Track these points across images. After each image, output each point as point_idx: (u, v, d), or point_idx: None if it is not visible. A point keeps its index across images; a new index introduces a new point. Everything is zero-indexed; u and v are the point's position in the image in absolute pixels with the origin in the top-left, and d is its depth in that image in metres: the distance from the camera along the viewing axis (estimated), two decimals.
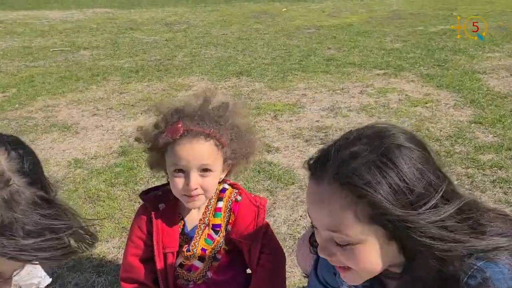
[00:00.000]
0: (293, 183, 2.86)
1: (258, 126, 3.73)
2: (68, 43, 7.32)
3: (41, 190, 0.94)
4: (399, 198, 0.91)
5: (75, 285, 2.06)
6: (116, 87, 4.96)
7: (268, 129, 3.71)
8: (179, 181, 1.38)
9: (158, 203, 1.51)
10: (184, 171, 1.37)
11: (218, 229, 1.50)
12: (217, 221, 1.50)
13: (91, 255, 2.25)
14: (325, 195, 0.96)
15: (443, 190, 0.95)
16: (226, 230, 1.51)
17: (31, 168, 0.96)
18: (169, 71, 5.50)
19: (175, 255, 1.51)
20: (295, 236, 2.36)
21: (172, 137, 1.35)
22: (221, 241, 1.51)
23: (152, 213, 1.49)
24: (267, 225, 1.57)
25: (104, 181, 2.95)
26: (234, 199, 1.53)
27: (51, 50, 6.82)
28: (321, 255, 1.03)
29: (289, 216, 2.52)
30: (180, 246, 1.50)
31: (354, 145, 0.98)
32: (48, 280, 1.32)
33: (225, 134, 1.40)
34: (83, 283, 2.07)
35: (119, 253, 2.25)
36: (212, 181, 1.41)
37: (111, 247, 2.31)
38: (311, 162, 1.03)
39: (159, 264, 1.50)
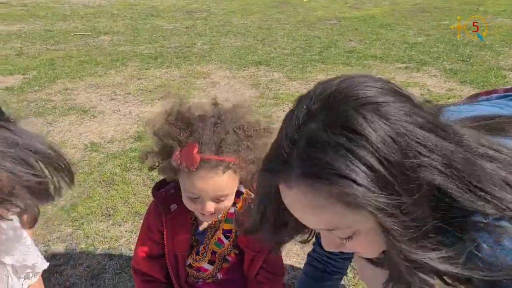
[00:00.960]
0: None
1: (276, 116, 3.69)
2: (89, 27, 7.35)
3: None
4: (381, 182, 0.72)
5: (86, 267, 2.07)
6: (134, 72, 4.97)
7: None
8: (193, 205, 1.30)
9: (170, 204, 1.41)
10: (199, 197, 1.28)
11: (228, 234, 1.45)
12: (229, 226, 1.44)
13: (104, 238, 2.25)
14: (302, 198, 0.78)
15: (435, 149, 0.73)
16: (236, 235, 1.45)
17: None
18: (188, 59, 5.48)
19: (186, 255, 1.47)
20: None
21: (187, 167, 1.19)
22: (231, 245, 1.47)
23: (164, 216, 1.40)
24: None
25: (119, 166, 2.95)
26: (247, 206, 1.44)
27: (72, 34, 6.87)
28: (329, 249, 0.91)
29: None
30: (191, 247, 1.46)
31: (307, 125, 0.76)
32: (45, 264, 1.25)
33: (245, 157, 1.24)
34: (95, 265, 2.07)
35: (131, 237, 2.25)
36: (227, 203, 1.32)
37: (123, 231, 2.31)
38: (268, 162, 0.83)
39: (170, 264, 1.46)
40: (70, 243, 2.22)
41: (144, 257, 1.48)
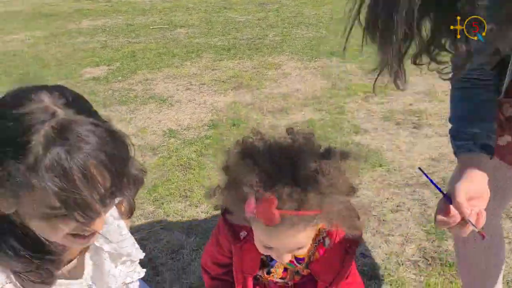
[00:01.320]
0: (380, 165, 2.79)
1: (347, 107, 3.67)
2: (166, 21, 7.69)
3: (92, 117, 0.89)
4: None
5: (167, 243, 2.22)
6: (208, 64, 5.15)
7: (357, 110, 3.64)
8: (267, 251, 1.21)
9: (240, 230, 1.30)
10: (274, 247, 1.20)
11: (301, 261, 1.39)
12: (301, 255, 1.36)
13: (182, 217, 2.40)
14: None
15: None
16: (309, 260, 1.37)
17: (76, 100, 0.91)
18: (259, 50, 5.58)
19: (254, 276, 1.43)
20: (379, 217, 2.32)
21: (265, 223, 1.06)
22: (303, 265, 1.40)
23: (233, 246, 1.33)
24: (353, 267, 1.40)
25: (195, 151, 3.10)
26: (322, 240, 1.32)
27: (151, 27, 7.23)
28: None
29: (374, 198, 2.48)
30: (261, 267, 1.41)
31: None
32: (141, 254, 1.29)
33: (329, 209, 1.07)
34: (174, 241, 2.23)
35: (206, 218, 2.38)
36: (305, 250, 1.23)
37: (199, 212, 2.45)
38: None
39: (237, 281, 1.43)
40: (152, 220, 2.39)
41: (212, 264, 1.47)
